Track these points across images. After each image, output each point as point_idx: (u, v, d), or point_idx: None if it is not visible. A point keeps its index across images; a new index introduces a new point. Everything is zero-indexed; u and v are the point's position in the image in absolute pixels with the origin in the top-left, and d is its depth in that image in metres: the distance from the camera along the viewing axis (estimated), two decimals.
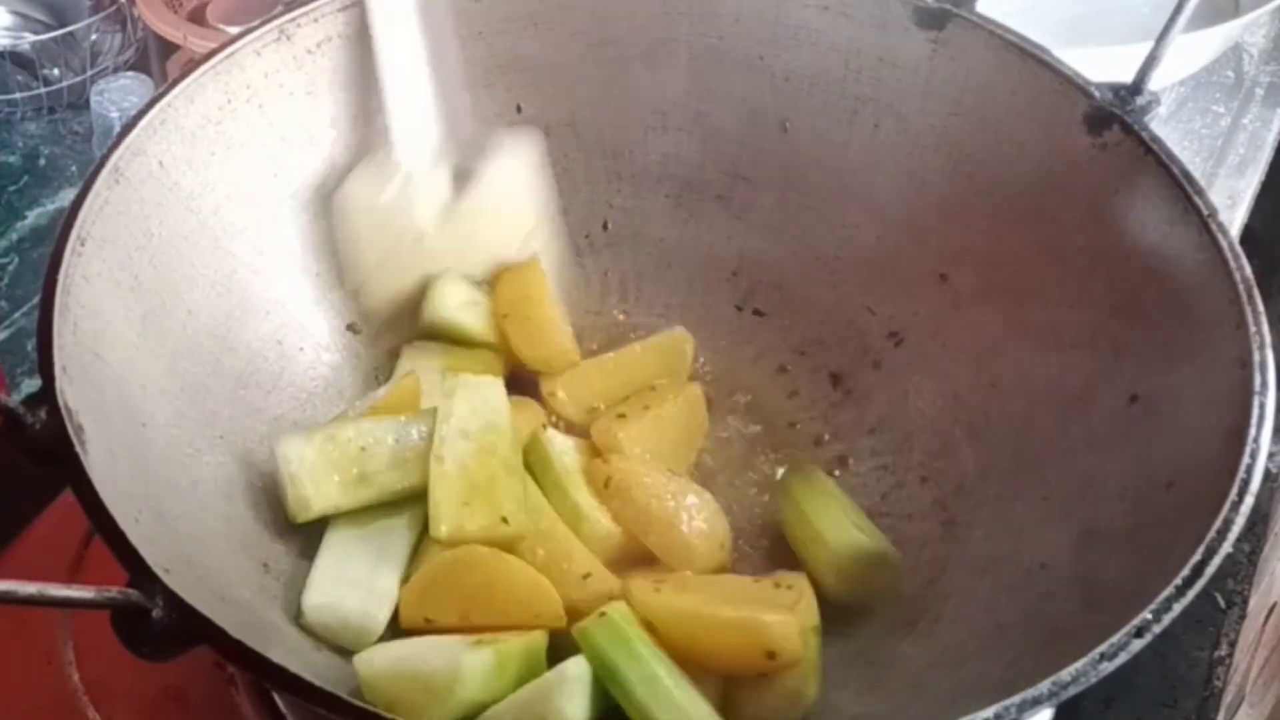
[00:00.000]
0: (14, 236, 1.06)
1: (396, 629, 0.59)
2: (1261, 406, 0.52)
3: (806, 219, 0.77)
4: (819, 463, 0.70)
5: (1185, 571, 0.47)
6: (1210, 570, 0.47)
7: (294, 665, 0.43)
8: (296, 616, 0.58)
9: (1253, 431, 0.51)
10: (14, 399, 0.47)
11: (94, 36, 1.20)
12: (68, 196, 1.09)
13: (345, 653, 0.57)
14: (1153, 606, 0.46)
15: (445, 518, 0.58)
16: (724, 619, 0.55)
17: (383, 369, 0.72)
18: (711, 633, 0.55)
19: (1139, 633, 0.46)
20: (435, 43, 0.68)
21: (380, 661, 0.54)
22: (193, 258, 0.63)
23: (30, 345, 0.96)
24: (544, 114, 0.76)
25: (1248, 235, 0.96)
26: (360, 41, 0.70)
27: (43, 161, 1.14)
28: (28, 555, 0.72)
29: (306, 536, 0.63)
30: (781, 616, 0.55)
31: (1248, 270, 0.56)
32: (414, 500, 0.61)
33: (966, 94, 0.69)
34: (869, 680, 0.59)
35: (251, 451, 0.63)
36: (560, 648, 0.56)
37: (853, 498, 0.67)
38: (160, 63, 1.21)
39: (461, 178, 0.71)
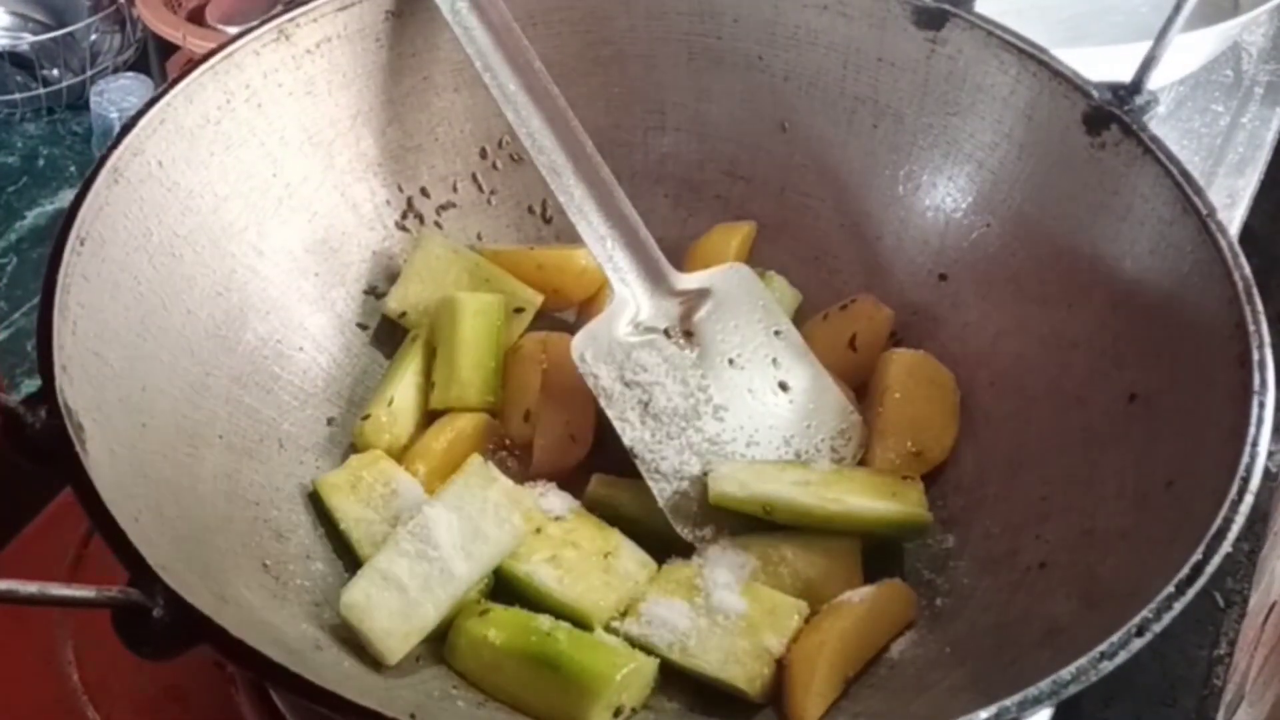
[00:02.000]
0: (13, 237, 1.06)
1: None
2: (1261, 406, 0.52)
3: (805, 219, 0.77)
4: None
5: (1185, 570, 0.47)
6: (1210, 569, 0.47)
7: (294, 665, 0.43)
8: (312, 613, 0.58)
9: (1252, 431, 0.51)
10: (14, 399, 0.47)
11: (93, 37, 1.21)
12: (67, 197, 1.09)
13: (346, 652, 0.57)
14: (1153, 605, 0.46)
15: None
16: None
17: (379, 368, 0.73)
18: None
19: (1139, 631, 0.46)
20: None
21: None
22: (192, 258, 0.63)
23: (30, 345, 0.96)
24: None
25: (1247, 234, 0.96)
26: (359, 41, 0.70)
27: (42, 162, 1.15)
28: (28, 554, 0.72)
29: (306, 536, 0.63)
30: None
31: (1247, 269, 0.56)
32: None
33: (965, 94, 0.70)
34: (869, 680, 0.59)
35: (251, 451, 0.63)
36: None
37: None
38: (160, 63, 1.21)
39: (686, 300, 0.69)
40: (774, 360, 0.68)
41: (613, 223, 0.68)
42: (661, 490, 0.64)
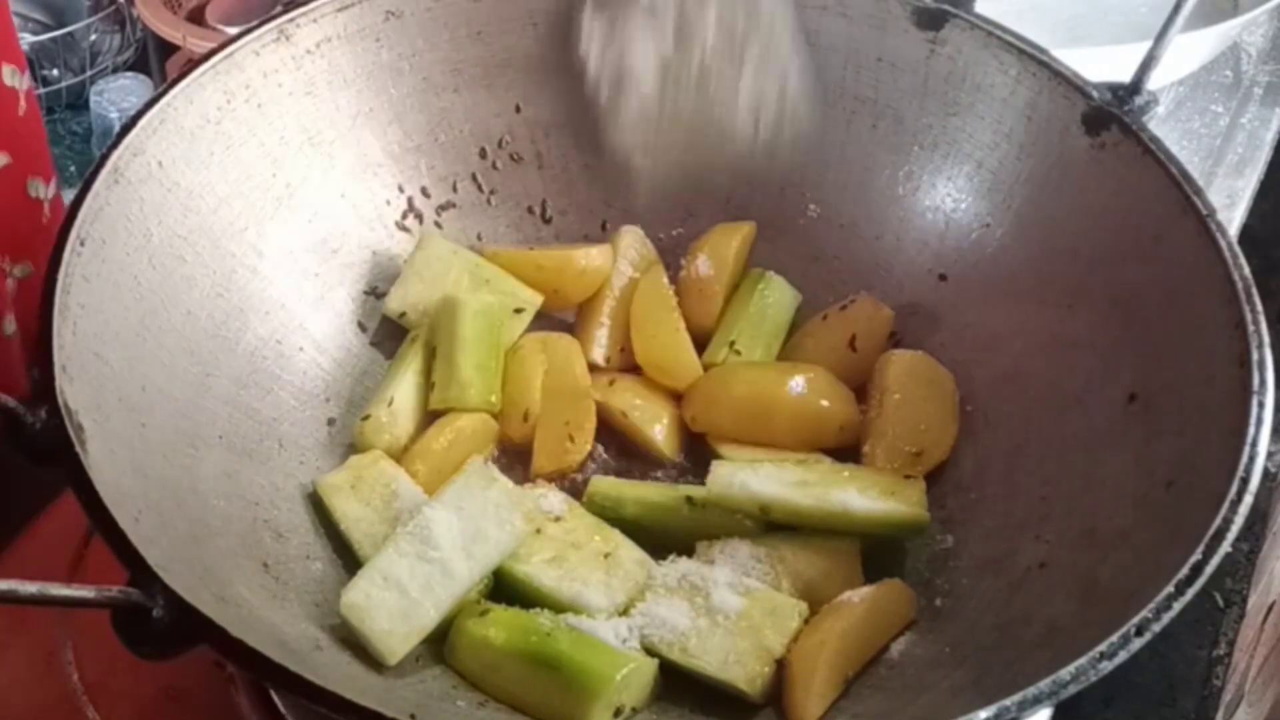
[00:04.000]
0: None
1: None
2: (1260, 406, 0.52)
3: (804, 218, 0.77)
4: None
5: (1184, 571, 0.47)
6: (1209, 569, 0.47)
7: (294, 665, 0.43)
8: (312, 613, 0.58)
9: (1251, 431, 0.51)
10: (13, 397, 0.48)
11: (93, 37, 1.21)
12: (67, 197, 1.09)
13: (346, 652, 0.57)
14: (1152, 605, 0.46)
15: None
16: None
17: (379, 368, 0.73)
18: None
19: (1138, 632, 0.46)
20: None
21: None
22: (192, 258, 0.63)
23: None
24: (544, 114, 0.76)
25: (1246, 235, 0.96)
26: (359, 41, 0.70)
27: None
28: (28, 555, 0.72)
29: (306, 536, 0.63)
30: None
31: (1246, 270, 0.56)
32: None
33: (964, 94, 0.70)
34: (869, 680, 0.59)
35: (252, 452, 0.63)
36: None
37: None
38: (159, 63, 1.21)
39: None
40: None
41: None
42: None
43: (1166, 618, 0.46)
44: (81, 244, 0.55)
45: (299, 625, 0.56)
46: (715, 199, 0.78)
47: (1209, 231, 0.58)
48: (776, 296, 0.72)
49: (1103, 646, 0.45)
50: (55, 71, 1.20)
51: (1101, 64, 0.69)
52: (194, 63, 0.64)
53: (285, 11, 0.67)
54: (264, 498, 0.62)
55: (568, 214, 0.78)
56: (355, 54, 0.70)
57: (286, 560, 0.60)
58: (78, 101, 1.19)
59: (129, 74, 1.15)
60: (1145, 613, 0.46)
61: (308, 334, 0.70)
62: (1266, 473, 0.51)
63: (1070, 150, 0.65)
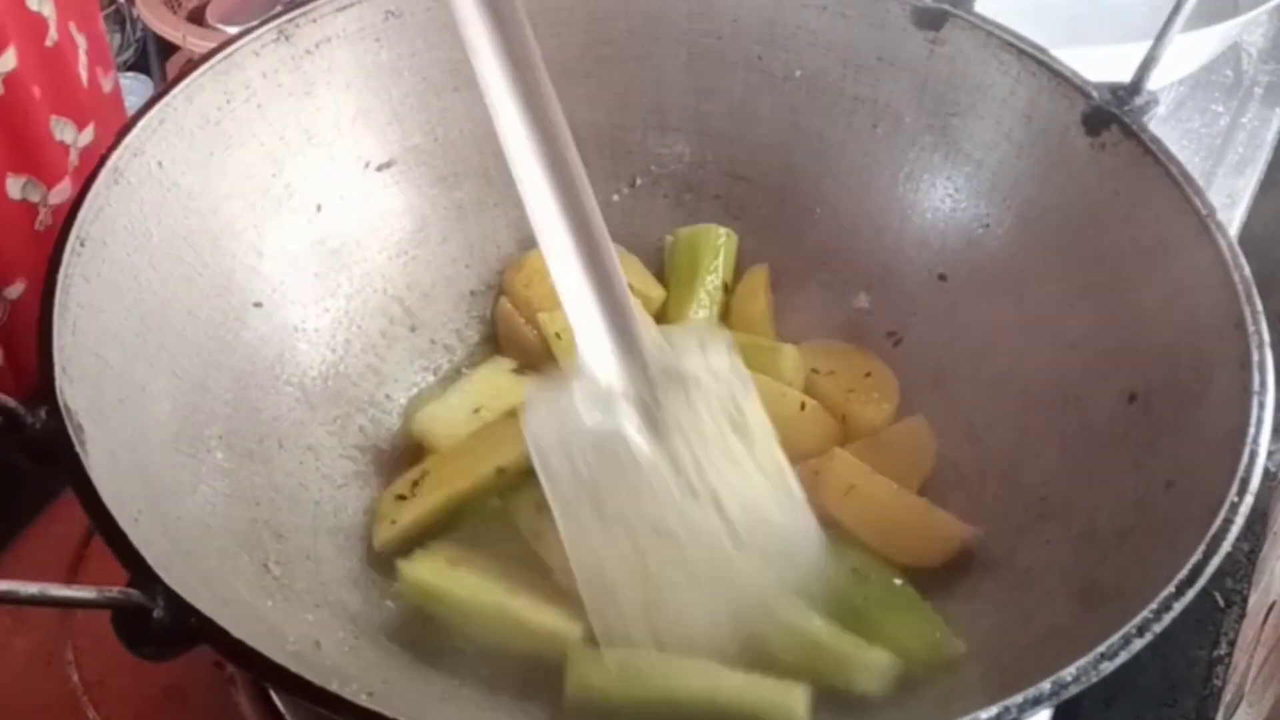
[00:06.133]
0: None
1: None
2: (1260, 406, 0.52)
3: (804, 219, 0.77)
4: None
5: (1185, 571, 0.47)
6: (1210, 569, 0.47)
7: (293, 665, 0.43)
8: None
9: (1252, 431, 0.51)
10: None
11: None
12: None
13: (346, 652, 0.57)
14: (1153, 606, 0.46)
15: None
16: None
17: (379, 369, 0.72)
18: None
19: (1139, 632, 0.46)
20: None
21: None
22: (192, 258, 0.63)
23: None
24: None
25: (1246, 234, 0.96)
26: (359, 41, 0.70)
27: None
28: (28, 555, 0.72)
29: (306, 536, 0.63)
30: None
31: (1246, 270, 0.56)
32: None
33: (964, 94, 0.70)
34: None
35: (252, 452, 0.63)
36: None
37: None
38: (159, 63, 1.21)
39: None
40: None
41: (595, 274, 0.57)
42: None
43: (1167, 618, 0.46)
44: (81, 244, 0.55)
45: (299, 625, 0.56)
46: (715, 199, 0.79)
47: (1209, 231, 0.58)
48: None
49: (1103, 647, 0.45)
50: None
51: (1101, 64, 0.69)
52: (194, 63, 0.64)
53: (285, 11, 0.67)
54: (264, 498, 0.62)
55: None
56: (355, 54, 0.70)
57: (286, 560, 0.60)
58: None
59: (129, 74, 1.15)
60: (1146, 613, 0.46)
61: (308, 334, 0.70)
62: (1266, 473, 0.51)
63: (1070, 150, 0.65)
